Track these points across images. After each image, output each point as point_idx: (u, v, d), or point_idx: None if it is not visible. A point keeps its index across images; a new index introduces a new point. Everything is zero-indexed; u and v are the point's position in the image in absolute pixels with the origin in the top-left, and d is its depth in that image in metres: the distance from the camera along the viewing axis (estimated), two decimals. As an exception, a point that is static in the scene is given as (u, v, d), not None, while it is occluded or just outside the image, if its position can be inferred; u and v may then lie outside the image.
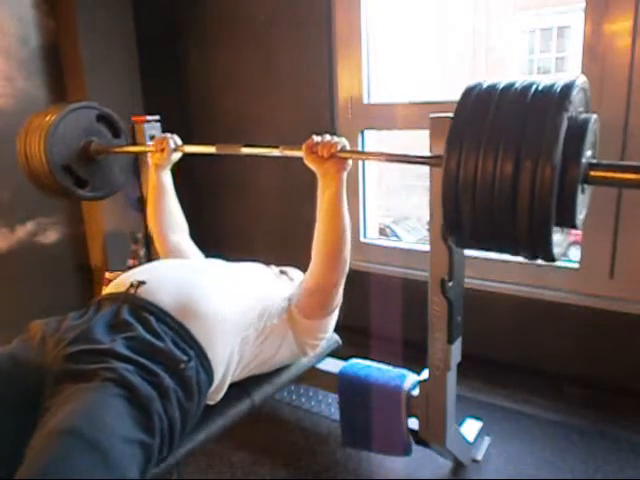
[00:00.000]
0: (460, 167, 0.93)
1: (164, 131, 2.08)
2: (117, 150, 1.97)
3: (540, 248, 0.93)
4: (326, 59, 2.27)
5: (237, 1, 2.48)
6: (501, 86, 0.96)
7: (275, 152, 1.52)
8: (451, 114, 1.25)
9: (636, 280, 1.82)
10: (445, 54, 11.21)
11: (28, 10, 2.28)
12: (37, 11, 2.30)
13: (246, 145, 1.61)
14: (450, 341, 1.41)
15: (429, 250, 1.38)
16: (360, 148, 2.31)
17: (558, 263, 1.93)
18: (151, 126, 2.03)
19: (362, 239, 2.42)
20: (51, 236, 2.46)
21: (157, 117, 2.05)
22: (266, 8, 2.39)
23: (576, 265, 1.92)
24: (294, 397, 2.03)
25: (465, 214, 0.95)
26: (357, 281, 2.42)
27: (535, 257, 0.98)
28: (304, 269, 1.48)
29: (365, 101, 2.25)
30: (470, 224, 0.96)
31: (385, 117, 2.22)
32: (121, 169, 2.05)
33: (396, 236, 6.75)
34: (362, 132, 2.29)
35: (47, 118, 1.80)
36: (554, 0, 10.77)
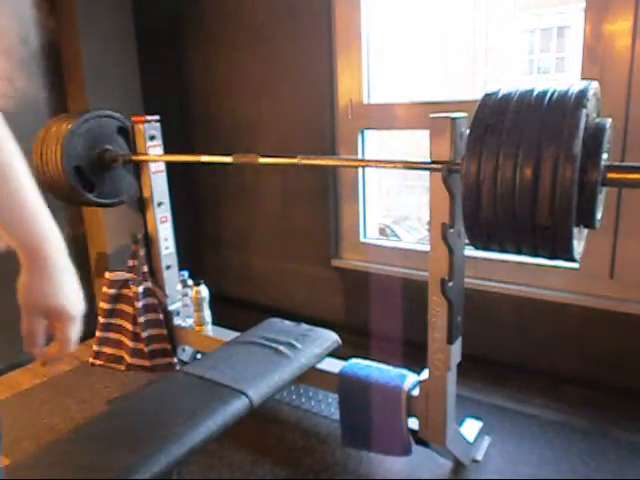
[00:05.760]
0: (480, 170, 0.95)
1: (164, 131, 2.08)
2: (129, 159, 2.00)
3: (560, 246, 0.95)
4: (326, 59, 2.27)
5: (237, 1, 2.48)
6: (519, 92, 0.98)
7: (293, 162, 1.52)
8: (451, 114, 1.27)
9: (636, 280, 1.82)
10: (445, 54, 11.21)
11: (28, 10, 2.28)
12: (37, 11, 2.30)
13: (263, 155, 1.61)
14: (450, 341, 1.41)
15: (429, 250, 1.38)
16: (360, 148, 2.31)
17: (558, 263, 1.93)
18: (151, 126, 2.03)
19: (362, 239, 2.42)
20: (51, 236, 2.45)
21: (157, 117, 2.05)
22: (266, 8, 2.39)
23: (576, 265, 1.92)
24: (294, 397, 2.03)
25: (485, 216, 0.97)
26: (357, 281, 2.43)
27: (555, 256, 0.99)
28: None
29: (365, 101, 2.26)
30: (490, 225, 0.98)
31: (385, 117, 2.22)
32: (130, 183, 2.09)
33: (396, 236, 6.75)
34: (362, 132, 2.29)
35: (71, 119, 1.87)
36: (554, 0, 10.79)
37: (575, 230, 0.94)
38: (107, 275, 2.23)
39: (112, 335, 2.27)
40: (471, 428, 1.70)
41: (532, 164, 0.91)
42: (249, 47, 2.49)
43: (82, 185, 1.92)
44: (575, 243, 0.96)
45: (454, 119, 1.25)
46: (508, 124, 0.95)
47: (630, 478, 1.55)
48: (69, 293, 0.74)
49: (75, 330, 0.75)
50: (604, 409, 1.84)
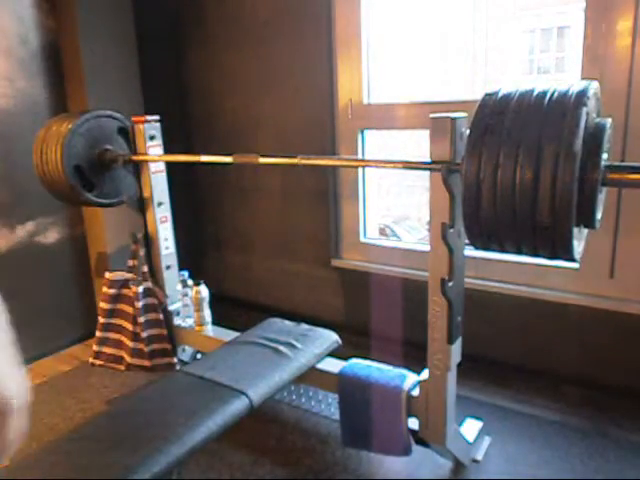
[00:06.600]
0: (481, 170, 0.95)
1: (164, 131, 2.08)
2: (129, 159, 2.00)
3: (560, 246, 0.95)
4: (326, 59, 2.27)
5: (237, 1, 2.48)
6: (519, 91, 0.98)
7: (293, 162, 1.52)
8: (451, 114, 1.26)
9: (636, 280, 1.82)
10: (445, 54, 11.22)
11: (28, 10, 2.27)
12: (37, 11, 2.30)
13: (263, 155, 1.61)
14: (450, 341, 1.41)
15: (429, 250, 1.38)
16: (360, 148, 2.31)
17: (558, 263, 1.93)
18: (151, 126, 2.03)
19: (362, 239, 2.42)
20: (51, 236, 2.45)
21: (157, 117, 2.05)
22: (266, 8, 2.39)
23: (576, 265, 1.92)
24: (294, 397, 2.03)
25: (485, 215, 0.97)
26: (357, 281, 2.43)
27: (555, 256, 0.99)
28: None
29: (365, 101, 2.25)
30: (490, 225, 0.98)
31: (385, 117, 2.22)
32: (130, 183, 2.10)
33: (396, 236, 6.75)
34: (362, 132, 2.29)
35: (71, 118, 1.87)
36: (554, 0, 10.79)
37: (575, 230, 0.94)
38: (107, 275, 2.24)
39: (112, 335, 2.28)
40: (471, 428, 1.70)
41: (532, 163, 0.91)
42: (249, 47, 2.49)
43: (82, 185, 1.92)
44: (575, 243, 0.96)
45: (454, 119, 1.25)
46: (508, 124, 0.95)
47: (630, 478, 1.55)
48: (10, 380, 0.53)
49: (19, 427, 0.53)
50: (604, 409, 1.84)
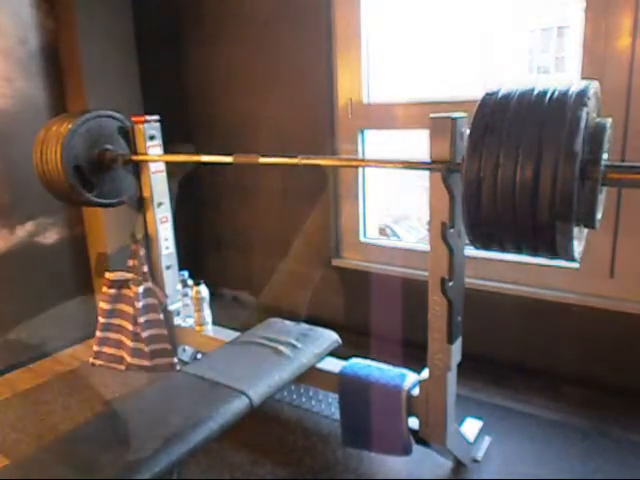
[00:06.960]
0: (481, 170, 0.95)
1: (164, 132, 2.08)
2: (128, 159, 1.99)
3: (561, 246, 0.95)
4: (326, 59, 2.27)
5: (237, 1, 2.48)
6: (519, 91, 0.98)
7: (293, 162, 1.52)
8: (451, 114, 1.27)
9: (636, 280, 1.82)
10: (444, 54, 11.21)
11: (28, 10, 2.27)
12: (37, 11, 2.30)
13: (263, 155, 1.61)
14: (450, 341, 1.41)
15: (429, 250, 1.38)
16: (360, 148, 2.31)
17: (558, 263, 1.93)
18: (151, 126, 2.03)
19: (362, 239, 2.42)
20: (51, 236, 2.45)
21: (157, 117, 2.05)
22: (266, 8, 2.39)
23: (576, 265, 1.92)
24: (294, 397, 2.03)
25: (486, 215, 0.97)
26: (357, 281, 2.43)
27: (555, 256, 0.99)
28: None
29: (365, 101, 2.26)
30: (491, 225, 0.98)
31: (385, 117, 2.22)
32: (130, 183, 2.09)
33: (396, 236, 6.74)
34: (362, 132, 2.29)
35: (71, 118, 1.86)
36: (554, 0, 10.79)
37: (575, 230, 0.94)
38: (107, 275, 2.23)
39: (112, 335, 2.27)
40: (471, 428, 1.70)
41: (532, 163, 0.91)
42: (249, 47, 2.49)
43: (82, 185, 1.92)
44: (575, 243, 0.96)
45: (454, 119, 1.25)
46: (508, 123, 0.95)
47: (630, 478, 1.55)
48: None
49: None
50: (604, 409, 1.84)
